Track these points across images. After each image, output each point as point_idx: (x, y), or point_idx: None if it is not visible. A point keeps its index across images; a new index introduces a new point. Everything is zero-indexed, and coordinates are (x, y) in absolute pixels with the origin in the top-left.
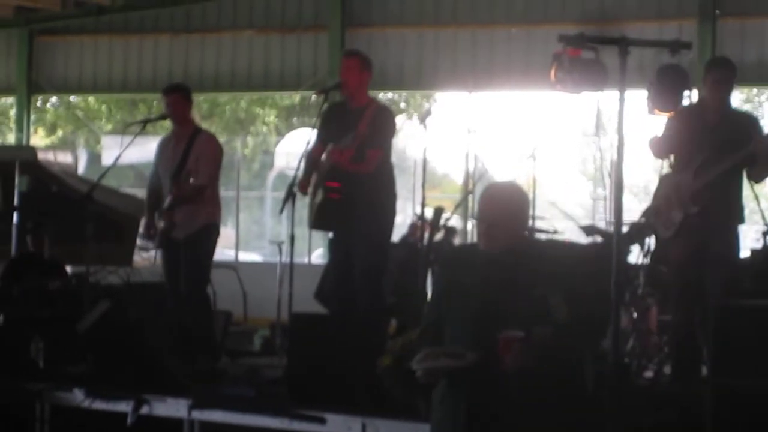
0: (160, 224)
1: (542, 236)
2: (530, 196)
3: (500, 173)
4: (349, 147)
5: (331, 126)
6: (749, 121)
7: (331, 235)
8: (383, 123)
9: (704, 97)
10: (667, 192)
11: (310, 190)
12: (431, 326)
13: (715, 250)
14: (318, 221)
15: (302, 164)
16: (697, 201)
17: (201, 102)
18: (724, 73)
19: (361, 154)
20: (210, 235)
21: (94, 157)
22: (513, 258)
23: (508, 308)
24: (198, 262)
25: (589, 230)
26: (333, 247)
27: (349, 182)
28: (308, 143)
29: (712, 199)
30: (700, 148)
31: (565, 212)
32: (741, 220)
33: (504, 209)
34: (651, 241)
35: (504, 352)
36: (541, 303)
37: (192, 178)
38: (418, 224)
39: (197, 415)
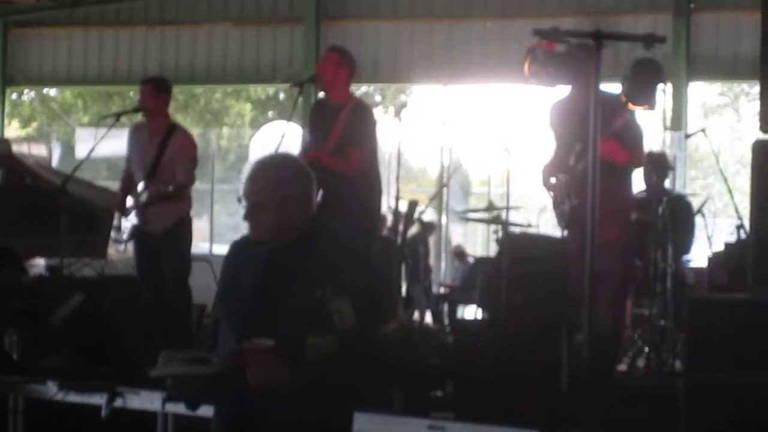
0: (131, 217)
1: (517, 229)
2: (505, 189)
3: (475, 166)
4: (321, 137)
5: (314, 123)
6: (616, 102)
7: None
8: (361, 121)
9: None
10: (558, 184)
11: None
12: (214, 330)
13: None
14: None
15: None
16: (578, 191)
17: (177, 94)
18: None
19: (341, 151)
20: (187, 227)
21: (68, 150)
22: (295, 250)
23: (280, 312)
24: (179, 256)
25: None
26: None
27: (333, 183)
28: (282, 137)
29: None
30: (577, 139)
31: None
32: (628, 206)
33: (268, 188)
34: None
35: (248, 364)
36: (320, 307)
37: (170, 185)
38: (386, 217)
39: (171, 408)
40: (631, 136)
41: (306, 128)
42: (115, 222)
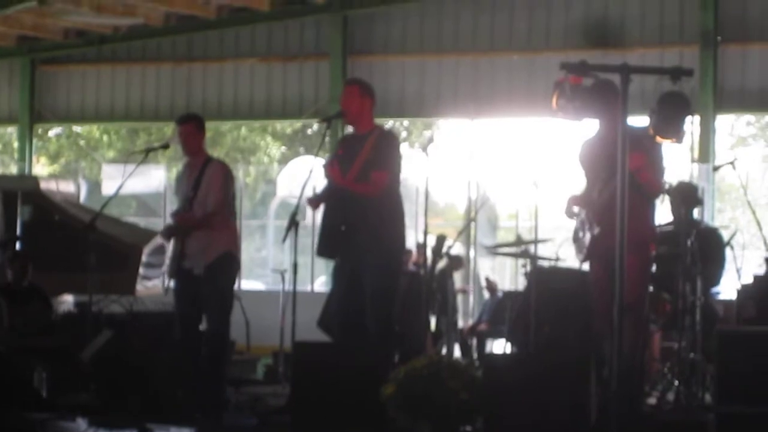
0: (170, 253)
1: (545, 263)
2: (533, 223)
3: (503, 200)
4: (346, 163)
5: (341, 153)
6: (643, 137)
7: (335, 261)
8: (387, 146)
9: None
10: (579, 215)
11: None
12: None
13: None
14: (323, 248)
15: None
16: (600, 222)
17: None
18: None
19: (365, 176)
20: (229, 266)
21: (95, 187)
22: None
23: None
24: (219, 295)
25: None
26: (337, 274)
27: (356, 207)
28: (311, 173)
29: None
30: (602, 170)
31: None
32: (650, 239)
33: None
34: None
35: None
36: None
37: (196, 207)
38: (412, 252)
39: None
40: (655, 166)
41: (330, 158)
42: (144, 259)
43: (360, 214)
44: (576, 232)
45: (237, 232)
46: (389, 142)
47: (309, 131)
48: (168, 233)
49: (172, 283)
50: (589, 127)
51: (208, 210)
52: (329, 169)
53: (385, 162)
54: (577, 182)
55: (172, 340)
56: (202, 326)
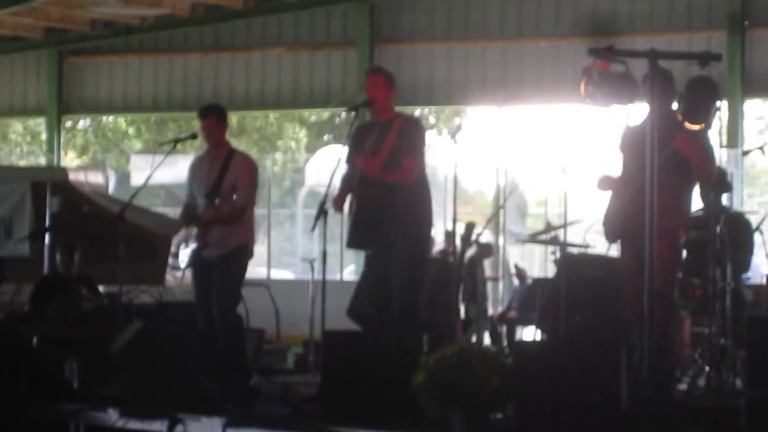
0: (192, 243)
1: (575, 250)
2: (562, 209)
3: (531, 187)
4: (372, 151)
5: (362, 146)
6: (676, 122)
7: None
8: (413, 131)
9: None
10: (613, 200)
11: (346, 207)
12: None
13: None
14: (354, 240)
15: (338, 183)
16: (634, 202)
17: (231, 119)
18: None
19: (396, 162)
20: (243, 256)
21: (123, 177)
22: None
23: None
24: (230, 283)
25: None
26: (371, 261)
27: (385, 195)
28: (339, 161)
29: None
30: (640, 157)
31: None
32: (681, 225)
33: None
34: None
35: None
36: None
37: (234, 197)
38: (434, 239)
39: None
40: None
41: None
42: (173, 249)
43: (391, 203)
44: (607, 215)
45: (254, 223)
46: (416, 128)
47: (337, 120)
48: (202, 233)
49: (188, 271)
50: (620, 113)
51: (239, 206)
52: (359, 160)
53: (414, 148)
54: (606, 167)
55: (199, 329)
56: None
